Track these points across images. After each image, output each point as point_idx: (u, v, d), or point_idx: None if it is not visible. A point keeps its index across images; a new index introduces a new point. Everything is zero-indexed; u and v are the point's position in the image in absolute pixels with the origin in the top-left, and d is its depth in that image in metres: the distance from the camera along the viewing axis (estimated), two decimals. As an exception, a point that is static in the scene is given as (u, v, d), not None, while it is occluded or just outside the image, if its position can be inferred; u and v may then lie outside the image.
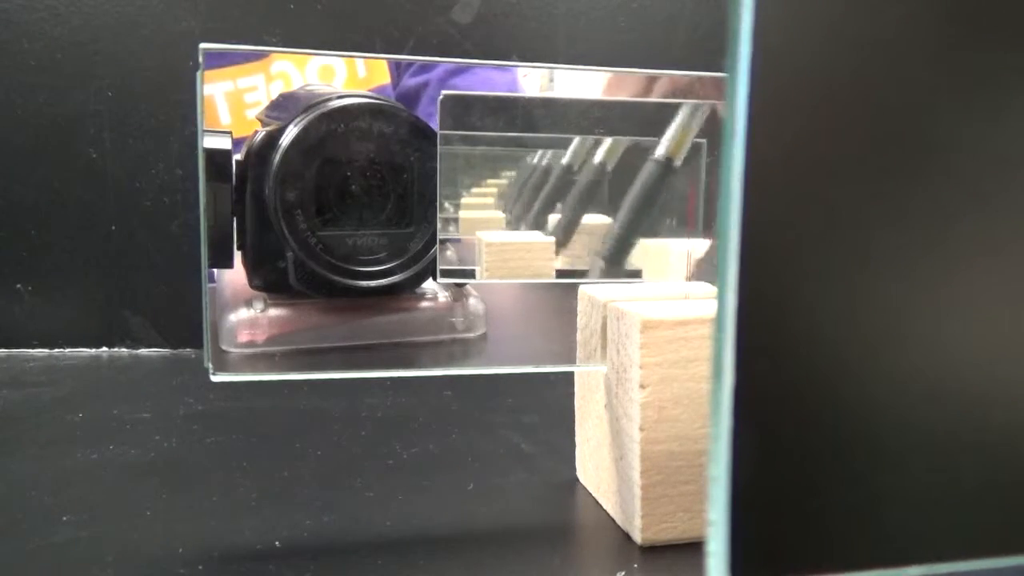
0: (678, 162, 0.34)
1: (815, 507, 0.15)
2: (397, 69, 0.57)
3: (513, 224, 0.36)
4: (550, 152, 0.36)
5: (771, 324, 0.15)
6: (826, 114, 0.15)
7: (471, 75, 0.52)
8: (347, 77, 0.56)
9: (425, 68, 0.55)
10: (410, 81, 0.56)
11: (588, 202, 0.35)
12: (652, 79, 0.34)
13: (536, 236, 0.35)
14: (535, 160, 0.36)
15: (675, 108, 0.34)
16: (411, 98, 0.55)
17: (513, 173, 0.35)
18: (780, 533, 0.15)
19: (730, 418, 0.14)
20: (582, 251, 0.35)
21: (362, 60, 0.56)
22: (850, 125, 0.15)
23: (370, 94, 0.36)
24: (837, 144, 0.15)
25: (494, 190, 0.35)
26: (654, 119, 0.35)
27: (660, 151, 0.33)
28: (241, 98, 0.53)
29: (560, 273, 0.36)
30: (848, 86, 0.15)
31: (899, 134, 0.15)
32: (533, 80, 0.42)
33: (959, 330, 0.16)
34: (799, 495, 0.15)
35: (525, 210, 0.36)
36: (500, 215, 0.35)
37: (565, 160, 0.35)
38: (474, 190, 0.35)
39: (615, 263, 0.35)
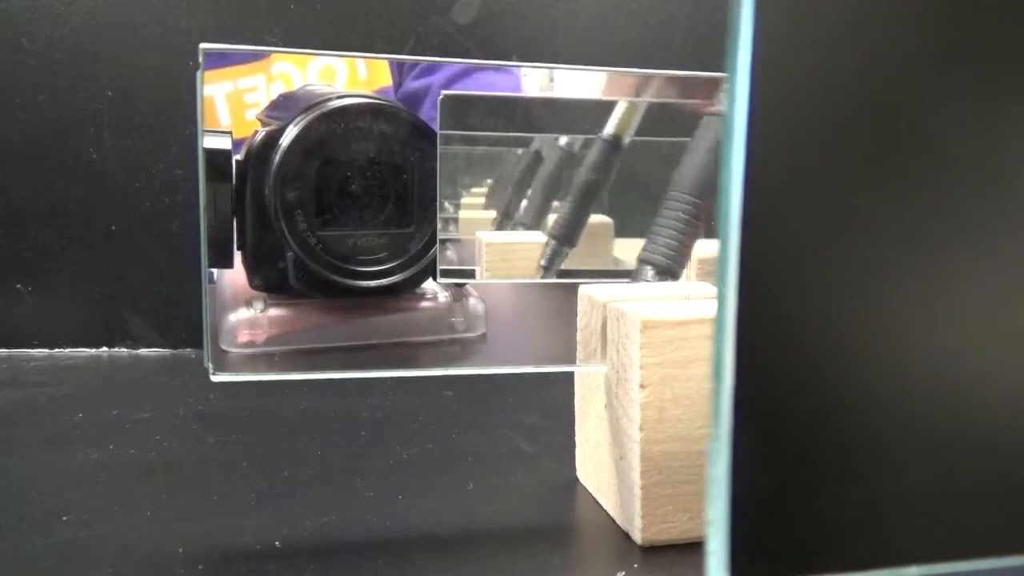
0: (627, 139, 0.34)
1: (814, 507, 0.15)
2: (399, 71, 0.57)
3: (507, 224, 0.36)
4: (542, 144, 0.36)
5: (771, 324, 0.15)
6: (826, 114, 0.15)
7: (473, 80, 0.52)
8: (348, 78, 0.55)
9: (427, 71, 0.55)
10: (412, 84, 0.56)
11: (591, 199, 0.35)
12: (669, 79, 0.34)
13: (535, 236, 0.35)
14: (523, 156, 0.36)
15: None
16: (413, 101, 0.55)
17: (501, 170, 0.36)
18: (779, 533, 0.15)
19: (730, 418, 0.14)
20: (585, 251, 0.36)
21: (363, 62, 0.56)
22: (850, 125, 0.15)
23: (370, 94, 0.36)
24: (837, 144, 0.15)
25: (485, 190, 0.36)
26: (654, 119, 0.35)
27: (608, 130, 0.34)
28: (241, 99, 0.53)
29: (560, 273, 0.36)
30: (848, 87, 0.15)
31: (899, 134, 0.15)
32: (533, 80, 0.42)
33: (960, 330, 0.16)
34: (798, 495, 0.15)
35: (527, 209, 0.36)
36: (492, 214, 0.36)
37: (563, 141, 0.36)
38: (474, 190, 0.35)
39: (567, 243, 0.35)
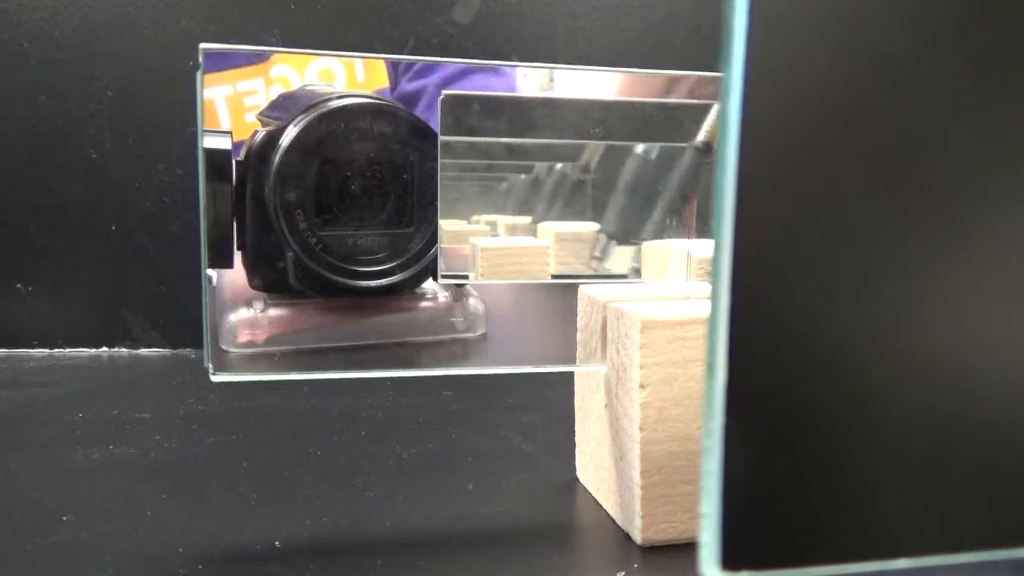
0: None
1: (805, 500, 0.15)
2: (395, 72, 0.57)
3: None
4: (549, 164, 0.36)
5: (764, 321, 0.15)
6: (819, 116, 0.15)
7: (469, 81, 0.52)
8: (346, 81, 0.56)
9: (423, 73, 0.55)
10: (408, 86, 0.56)
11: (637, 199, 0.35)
12: (669, 79, 0.34)
13: (530, 240, 0.35)
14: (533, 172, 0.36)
15: (682, 108, 0.34)
16: (408, 103, 0.55)
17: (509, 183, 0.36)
18: (771, 525, 0.15)
19: (722, 414, 0.14)
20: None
21: (361, 64, 0.56)
22: (844, 125, 0.15)
23: (370, 94, 0.36)
24: (830, 145, 0.15)
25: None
26: (655, 120, 0.35)
27: (700, 137, 0.34)
28: (241, 102, 0.53)
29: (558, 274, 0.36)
30: (843, 90, 0.15)
31: (894, 134, 0.15)
32: (533, 80, 0.42)
33: (949, 326, 0.16)
34: (790, 488, 0.15)
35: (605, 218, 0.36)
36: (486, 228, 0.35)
37: (582, 160, 0.36)
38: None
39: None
